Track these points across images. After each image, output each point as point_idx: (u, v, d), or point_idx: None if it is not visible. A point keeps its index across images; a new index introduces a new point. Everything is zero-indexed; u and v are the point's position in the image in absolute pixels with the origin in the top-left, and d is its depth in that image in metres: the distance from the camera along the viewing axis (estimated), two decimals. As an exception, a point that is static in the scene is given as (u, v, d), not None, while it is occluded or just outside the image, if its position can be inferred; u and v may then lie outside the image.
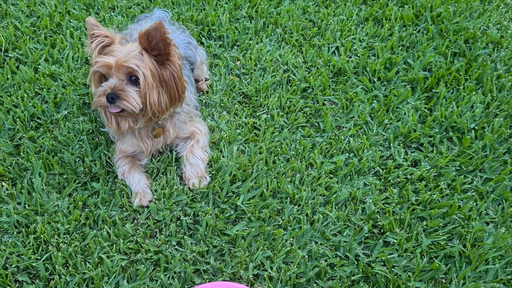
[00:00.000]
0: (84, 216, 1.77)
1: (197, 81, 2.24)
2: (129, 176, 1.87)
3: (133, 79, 1.66)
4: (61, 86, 2.23)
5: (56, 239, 1.70)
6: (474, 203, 1.84)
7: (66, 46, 2.42)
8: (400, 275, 1.63)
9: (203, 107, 2.18)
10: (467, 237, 1.74)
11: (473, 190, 1.89)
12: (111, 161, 1.95)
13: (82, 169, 1.91)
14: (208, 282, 1.61)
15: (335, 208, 1.82)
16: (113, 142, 1.98)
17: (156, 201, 1.82)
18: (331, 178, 1.92)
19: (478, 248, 1.71)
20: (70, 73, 2.29)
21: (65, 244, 1.69)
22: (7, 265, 1.64)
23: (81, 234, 1.73)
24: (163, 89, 1.70)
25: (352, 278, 1.61)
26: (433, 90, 2.26)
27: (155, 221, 1.77)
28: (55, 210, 1.79)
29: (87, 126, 2.06)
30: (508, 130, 2.07)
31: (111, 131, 1.93)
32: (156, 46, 1.62)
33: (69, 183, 1.88)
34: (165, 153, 1.98)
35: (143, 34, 1.58)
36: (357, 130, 2.10)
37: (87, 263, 1.64)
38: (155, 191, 1.86)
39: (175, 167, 1.93)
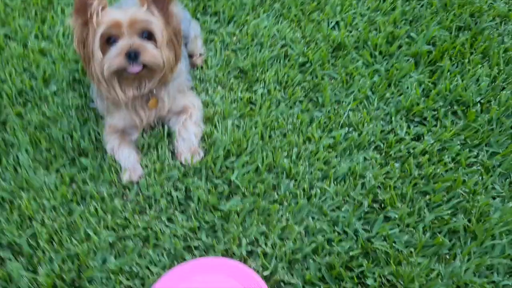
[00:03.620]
0: (71, 192, 1.70)
1: (191, 56, 2.16)
2: (119, 151, 1.80)
3: (145, 36, 1.62)
4: (51, 62, 2.15)
5: (41, 215, 1.63)
6: (480, 178, 1.75)
7: (57, 23, 2.35)
8: (401, 251, 1.54)
9: (197, 82, 2.10)
10: (472, 211, 1.65)
11: (478, 164, 1.80)
12: (100, 136, 1.87)
13: (71, 145, 1.84)
14: (199, 258, 1.53)
15: (334, 183, 1.74)
16: (103, 117, 1.90)
17: (147, 177, 1.75)
18: (329, 152, 1.83)
19: (484, 223, 1.62)
20: (60, 49, 2.21)
21: (51, 220, 1.62)
22: (-10, 242, 1.58)
23: (68, 210, 1.66)
24: (170, 45, 1.68)
25: (351, 253, 1.53)
26: (437, 64, 2.17)
27: (145, 197, 1.70)
28: (41, 186, 1.72)
29: (76, 102, 1.98)
30: (516, 103, 1.98)
31: (100, 104, 1.86)
32: (157, 2, 1.61)
33: (57, 159, 1.80)
34: (156, 128, 1.90)
35: None
36: (357, 105, 2.01)
37: (73, 239, 1.57)
38: (146, 166, 1.78)
39: (167, 142, 1.85)
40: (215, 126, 1.92)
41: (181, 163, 1.78)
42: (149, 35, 1.63)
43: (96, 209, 1.65)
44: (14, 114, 1.95)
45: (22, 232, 1.59)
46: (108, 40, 1.60)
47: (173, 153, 1.84)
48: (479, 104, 1.99)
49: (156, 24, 1.61)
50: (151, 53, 1.60)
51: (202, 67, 2.18)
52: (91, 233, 1.57)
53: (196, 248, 1.57)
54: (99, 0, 1.56)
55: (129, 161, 1.78)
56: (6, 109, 1.97)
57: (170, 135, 1.88)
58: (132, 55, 1.56)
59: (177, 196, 1.68)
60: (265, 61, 2.17)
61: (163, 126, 1.90)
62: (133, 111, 1.80)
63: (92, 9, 1.56)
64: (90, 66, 1.64)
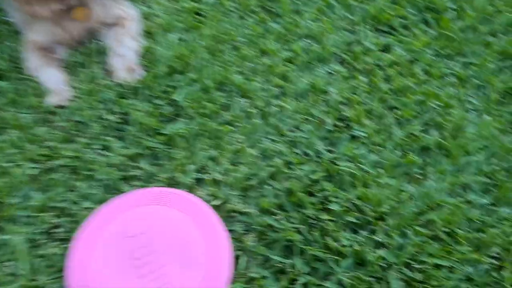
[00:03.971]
0: (-15, 120, 1.44)
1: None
2: (42, 71, 1.53)
3: None
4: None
5: None
6: (454, 90, 1.58)
7: None
8: (368, 172, 1.37)
9: (133, -8, 1.80)
10: (446, 127, 1.48)
11: (452, 76, 1.62)
12: (20, 55, 1.59)
13: (-17, 65, 1.55)
14: (139, 189, 1.32)
15: (293, 99, 1.53)
16: (21, 32, 1.61)
17: (77, 99, 1.49)
18: (288, 67, 1.61)
19: (458, 139, 1.46)
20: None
21: (-41, 153, 1.37)
22: None
23: (-19, 140, 1.41)
24: None
25: (313, 177, 1.35)
26: (407, -32, 1.93)
27: (75, 123, 1.45)
28: None
29: (-12, 15, 1.68)
30: (491, 7, 1.78)
31: (17, 19, 1.57)
32: None
33: (-33, 83, 1.53)
34: (86, 43, 1.62)
35: None
36: (318, 14, 1.77)
37: (-12, 172, 1.33)
38: (75, 88, 1.52)
39: (100, 60, 1.59)
40: (156, 40, 1.65)
41: (117, 83, 1.53)
42: None
43: (16, 139, 1.40)
44: None
45: None
46: None
47: (107, 72, 1.58)
48: (452, 11, 1.78)
49: None
50: None
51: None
52: (9, 166, 1.33)
53: (135, 177, 1.36)
54: None
55: (55, 82, 1.52)
56: None
57: (103, 51, 1.61)
58: None
59: (112, 120, 1.44)
60: (213, -34, 1.88)
61: (94, 42, 1.62)
62: (57, 24, 1.52)
63: None
64: None
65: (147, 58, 1.59)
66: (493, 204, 1.35)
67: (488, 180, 1.40)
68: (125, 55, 1.56)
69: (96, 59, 1.58)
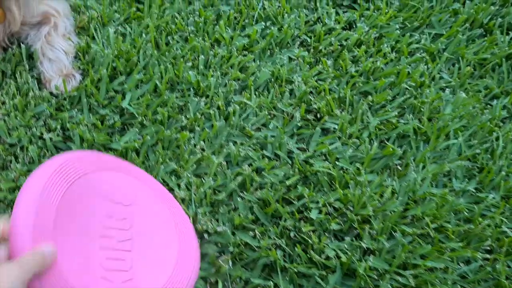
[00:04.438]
0: None
1: None
2: (-41, 88, 1.30)
3: None
4: None
5: None
6: (425, 66, 1.47)
7: None
8: (346, 169, 1.25)
9: (59, -20, 1.56)
10: (422, 109, 1.38)
11: (422, 51, 1.51)
12: None
13: None
14: None
15: (255, 94, 1.37)
16: None
17: (6, 118, 1.28)
18: (245, 56, 1.45)
19: (436, 122, 1.36)
20: None
21: None
22: None
23: None
24: None
25: (287, 182, 1.21)
26: None
27: (7, 146, 1.24)
28: None
29: None
30: (456, -28, 1.67)
31: None
32: None
33: None
34: (11, 49, 1.39)
35: None
36: (272, -9, 1.60)
37: None
38: (3, 103, 1.30)
39: (28, 67, 1.36)
40: (93, 38, 1.44)
41: (51, 93, 1.32)
42: None
43: None
44: None
45: None
46: None
47: (39, 81, 1.36)
48: (415, -23, 1.65)
49: None
50: None
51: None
52: None
53: (86, 204, 1.18)
54: None
55: (-25, 98, 1.29)
56: None
57: (31, 56, 1.39)
58: None
59: (51, 139, 1.24)
60: None
61: (19, 45, 1.39)
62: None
63: None
64: None
65: (84, 59, 1.38)
66: (478, 190, 1.28)
67: (470, 164, 1.31)
68: (57, 59, 1.34)
69: (24, 67, 1.35)
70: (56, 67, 1.34)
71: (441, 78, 1.46)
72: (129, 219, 0.93)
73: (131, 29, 1.46)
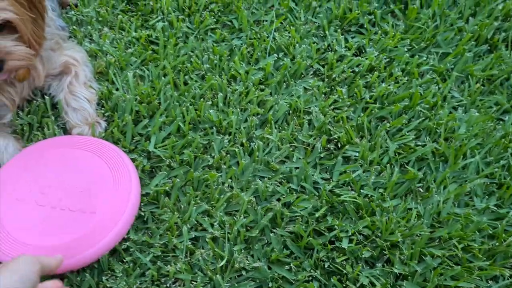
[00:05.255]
0: None
1: (57, -8, 1.63)
2: (-13, 145, 1.33)
3: None
4: None
5: None
6: (436, 87, 1.51)
7: None
8: (371, 196, 1.30)
9: (74, 27, 1.60)
10: (437, 130, 1.42)
11: (432, 72, 1.56)
12: (-43, 127, 1.38)
13: None
14: None
15: (275, 127, 1.41)
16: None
17: (37, 170, 1.31)
18: (262, 90, 1.49)
19: (452, 142, 1.41)
20: None
21: None
22: None
23: None
24: (30, 12, 1.20)
25: (316, 214, 1.25)
26: (361, -46, 1.82)
27: (41, 198, 1.28)
28: None
29: None
30: (457, -10, 1.72)
31: None
32: None
33: None
34: (35, 101, 1.42)
35: None
36: (281, 22, 1.64)
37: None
38: (32, 155, 1.34)
39: (54, 118, 1.40)
40: (113, 82, 1.48)
41: (78, 141, 1.36)
42: (3, 24, 1.15)
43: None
44: None
45: None
46: None
47: (65, 130, 1.40)
48: (417, -2, 1.71)
49: (7, 7, 1.11)
50: (17, 56, 1.17)
51: (76, 5, 1.66)
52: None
53: (126, 250, 1.22)
54: None
55: (7, 153, 1.32)
56: None
57: (55, 106, 1.43)
58: None
59: (83, 188, 1.28)
60: (156, -17, 1.70)
61: (43, 97, 1.43)
62: (-3, 90, 1.32)
63: None
64: None
65: (107, 105, 1.42)
66: (499, 206, 1.32)
67: (489, 181, 1.36)
68: (81, 108, 1.38)
69: (50, 117, 1.39)
70: (81, 116, 1.38)
71: (452, 97, 1.51)
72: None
73: (149, 71, 1.50)
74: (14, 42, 1.18)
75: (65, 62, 1.42)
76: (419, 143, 1.40)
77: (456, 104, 1.49)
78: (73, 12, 1.63)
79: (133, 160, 1.32)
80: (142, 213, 1.26)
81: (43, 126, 1.39)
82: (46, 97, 1.41)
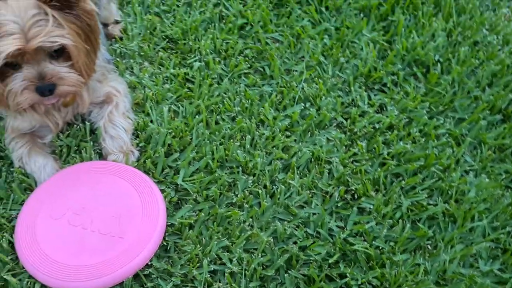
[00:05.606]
0: (-27, 224, 1.32)
1: (105, 25, 1.75)
2: (30, 161, 1.42)
3: (53, 50, 1.24)
4: None
5: None
6: (451, 150, 1.60)
7: None
8: (382, 248, 1.37)
9: (117, 59, 1.71)
10: (449, 192, 1.51)
11: (447, 135, 1.65)
12: (1, 142, 1.47)
13: (-38, 157, 1.43)
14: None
15: (297, 173, 1.50)
16: (2, 117, 1.49)
17: (71, 190, 1.40)
18: (287, 136, 1.58)
19: (461, 204, 1.49)
20: None
21: (-50, 268, 1.25)
22: None
23: (-28, 249, 1.29)
24: (85, 44, 1.31)
25: (330, 260, 1.33)
26: (389, 18, 1.95)
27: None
28: None
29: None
30: (476, 60, 1.83)
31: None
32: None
33: None
34: (75, 125, 1.52)
35: None
36: (310, 74, 1.75)
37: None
38: (68, 176, 1.43)
39: (91, 142, 1.50)
40: (148, 114, 1.58)
41: (112, 168, 1.45)
42: (59, 50, 1.25)
43: (10, 243, 1.30)
44: None
45: None
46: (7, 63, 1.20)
47: (100, 156, 1.49)
48: (439, 64, 1.81)
49: (69, 39, 1.22)
50: (69, 82, 1.27)
51: (121, 38, 1.78)
52: (8, 277, 1.23)
53: (147, 276, 1.29)
54: None
55: (45, 172, 1.41)
56: None
57: (94, 131, 1.53)
58: (46, 92, 1.23)
59: (114, 212, 1.36)
60: (197, 26, 1.82)
61: (83, 122, 1.53)
62: (44, 113, 1.41)
63: None
64: None
65: (141, 136, 1.52)
66: (502, 271, 1.39)
67: (494, 245, 1.43)
68: (118, 137, 1.47)
69: (88, 142, 1.49)
70: (117, 144, 1.47)
71: (465, 161, 1.60)
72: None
73: (183, 107, 1.60)
74: (67, 69, 1.28)
75: (108, 92, 1.52)
76: (431, 202, 1.48)
77: (468, 168, 1.58)
78: (117, 45, 1.75)
79: (162, 191, 1.41)
80: (166, 243, 1.34)
81: (81, 149, 1.48)
82: (87, 122, 1.51)
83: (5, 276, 1.23)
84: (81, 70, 1.32)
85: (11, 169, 1.43)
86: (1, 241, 1.29)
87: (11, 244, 1.30)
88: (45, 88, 1.23)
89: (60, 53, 1.27)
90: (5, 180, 1.41)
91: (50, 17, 1.19)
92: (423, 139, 1.61)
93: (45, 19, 1.19)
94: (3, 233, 1.32)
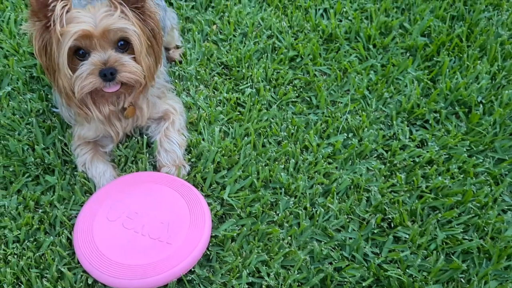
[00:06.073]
0: (38, 219, 1.45)
1: (167, 49, 1.91)
2: (92, 167, 1.56)
3: (120, 45, 1.38)
4: (2, 56, 1.84)
5: (3, 250, 1.38)
6: (489, 189, 1.64)
7: (7, 7, 2.01)
8: (415, 277, 1.41)
9: (176, 81, 1.86)
10: (485, 228, 1.54)
11: (486, 174, 1.69)
12: (68, 148, 1.62)
13: (33, 159, 1.58)
14: None
15: (337, 198, 1.57)
16: (70, 125, 1.64)
17: (126, 197, 1.52)
18: (329, 163, 1.66)
19: (498, 242, 1.52)
20: (12, 40, 1.90)
21: (15, 256, 1.37)
22: None
23: (35, 242, 1.42)
24: (150, 50, 1.45)
25: (363, 283, 1.38)
26: (435, 58, 2.02)
27: (126, 222, 1.48)
28: (0, 212, 1.46)
29: (36, 106, 1.71)
30: (519, 104, 1.87)
31: (65, 113, 1.60)
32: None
33: (17, 177, 1.55)
34: (134, 138, 1.66)
35: None
36: (354, 106, 1.84)
37: (43, 278, 1.34)
38: (124, 184, 1.55)
39: (147, 154, 1.62)
40: (201, 133, 1.70)
41: (165, 179, 1.56)
42: (125, 44, 1.40)
43: (68, 240, 1.42)
44: (-39, 121, 1.65)
45: (-19, 272, 1.35)
46: (77, 52, 1.34)
47: (155, 167, 1.61)
48: (481, 105, 1.86)
49: (133, 30, 1.36)
50: (130, 69, 1.38)
51: (180, 62, 1.93)
52: (65, 270, 1.34)
53: (189, 282, 1.38)
54: (62, 1, 1.28)
55: (104, 178, 1.55)
56: (-50, 115, 1.67)
57: (150, 145, 1.65)
58: (108, 75, 1.34)
59: (163, 220, 1.47)
60: (251, 55, 1.95)
61: (141, 135, 1.66)
62: (107, 122, 1.56)
63: (55, 14, 1.28)
64: (56, 79, 1.38)
65: (193, 153, 1.63)
66: (534, 311, 1.40)
67: (528, 285, 1.45)
68: (172, 151, 1.60)
69: (144, 154, 1.61)
70: (170, 157, 1.59)
71: (503, 200, 1.63)
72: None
73: (233, 128, 1.72)
74: (129, 59, 1.39)
75: (166, 109, 1.66)
76: (466, 237, 1.52)
77: (506, 207, 1.61)
78: (177, 68, 1.90)
79: (209, 204, 1.51)
80: (208, 252, 1.43)
81: (137, 160, 1.61)
82: (144, 136, 1.64)
83: (61, 269, 1.35)
84: (142, 67, 1.42)
85: (75, 173, 1.57)
86: (61, 237, 1.42)
87: (69, 240, 1.43)
88: (107, 71, 1.34)
89: (125, 47, 1.40)
90: (68, 182, 1.55)
91: (118, 9, 1.34)
92: (462, 176, 1.66)
93: (123, 16, 1.35)
94: (63, 230, 1.44)
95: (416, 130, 1.80)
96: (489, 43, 2.07)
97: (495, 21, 2.20)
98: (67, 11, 1.29)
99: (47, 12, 1.28)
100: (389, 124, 1.81)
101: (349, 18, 2.15)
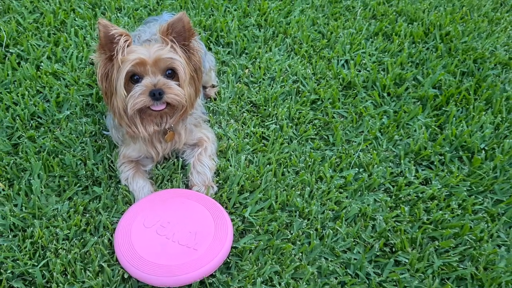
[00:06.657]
0: (85, 222, 1.69)
1: (204, 87, 2.19)
2: (133, 182, 1.80)
3: (168, 73, 1.66)
4: (64, 86, 2.15)
5: (55, 244, 1.62)
6: (486, 225, 1.80)
7: (70, 45, 2.35)
8: (412, 297, 1.58)
9: (210, 114, 2.12)
10: (479, 259, 1.69)
11: (484, 212, 1.86)
12: (114, 165, 1.88)
13: (84, 172, 1.84)
14: None
15: (345, 223, 1.77)
16: (116, 146, 1.91)
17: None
18: (341, 193, 1.87)
19: (490, 272, 1.67)
20: (73, 73, 2.22)
21: (64, 251, 1.61)
22: (1, 270, 1.56)
23: (81, 240, 1.65)
24: (191, 81, 1.71)
25: (364, 298, 1.56)
26: (443, 108, 2.24)
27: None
28: (54, 214, 1.71)
29: (90, 128, 1.99)
30: (519, 152, 2.05)
31: (115, 135, 1.87)
32: (179, 37, 1.64)
33: (70, 186, 1.80)
34: (171, 160, 1.91)
35: (167, 26, 1.62)
36: (366, 145, 2.05)
37: (87, 271, 1.56)
38: (160, 198, 1.79)
39: (181, 175, 1.87)
40: (228, 160, 1.94)
41: (195, 197, 1.80)
42: (172, 73, 1.66)
43: (109, 241, 1.65)
44: (27, 138, 1.94)
45: (35, 261, 1.58)
46: (132, 78, 1.62)
47: (187, 186, 1.85)
48: (483, 151, 2.05)
49: (179, 62, 1.63)
50: (175, 92, 1.63)
51: (215, 99, 2.20)
52: (105, 265, 1.57)
53: (210, 285, 1.58)
54: (124, 36, 1.58)
55: (143, 192, 1.78)
56: (18, 132, 1.95)
57: (184, 167, 1.90)
58: (157, 94, 1.59)
59: (191, 231, 1.69)
60: (277, 96, 2.21)
61: (177, 158, 1.91)
62: (149, 143, 1.82)
63: (118, 46, 1.57)
64: (112, 101, 1.65)
65: (221, 176, 1.87)
66: (522, 338, 1.53)
67: (517, 313, 1.59)
68: (203, 173, 1.83)
69: (178, 174, 1.85)
70: (201, 178, 1.83)
71: (498, 236, 1.78)
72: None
73: (257, 158, 1.95)
74: (175, 84, 1.64)
75: (200, 137, 1.91)
76: (461, 266, 1.68)
77: (501, 243, 1.76)
78: (211, 103, 2.16)
79: (232, 220, 1.72)
80: (228, 260, 1.63)
81: (172, 179, 1.85)
82: (180, 159, 1.89)
83: (102, 264, 1.57)
84: (185, 93, 1.67)
85: (118, 186, 1.82)
86: (103, 238, 1.65)
87: (110, 241, 1.66)
88: (156, 91, 1.59)
89: (172, 75, 1.67)
90: (112, 193, 1.79)
91: (169, 45, 1.62)
92: (461, 212, 1.83)
93: (173, 49, 1.63)
94: (106, 232, 1.68)
95: (422, 170, 2.00)
96: (495, 97, 2.28)
97: (503, 78, 2.42)
98: (128, 45, 1.58)
99: (112, 46, 1.58)
100: (397, 162, 2.01)
101: (367, 69, 2.41)
